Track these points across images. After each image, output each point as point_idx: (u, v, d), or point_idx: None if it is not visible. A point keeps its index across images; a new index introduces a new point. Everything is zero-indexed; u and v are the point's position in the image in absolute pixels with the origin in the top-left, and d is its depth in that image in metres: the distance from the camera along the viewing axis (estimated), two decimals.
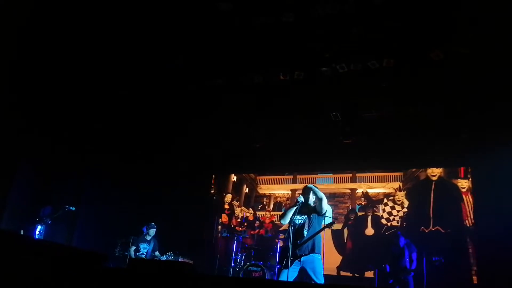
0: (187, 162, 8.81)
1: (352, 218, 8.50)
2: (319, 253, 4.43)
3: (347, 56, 5.76)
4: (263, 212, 9.44)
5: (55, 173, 7.03)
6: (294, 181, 9.74)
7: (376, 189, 8.70)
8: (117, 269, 4.37)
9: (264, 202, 9.74)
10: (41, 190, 6.84)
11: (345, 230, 8.43)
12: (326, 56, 5.79)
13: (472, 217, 7.17)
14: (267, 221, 9.14)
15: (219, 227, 9.22)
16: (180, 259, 7.20)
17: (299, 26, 5.30)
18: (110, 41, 5.89)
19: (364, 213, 8.45)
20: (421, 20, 5.03)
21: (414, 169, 8.30)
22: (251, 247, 7.62)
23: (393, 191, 8.38)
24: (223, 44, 5.82)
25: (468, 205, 7.35)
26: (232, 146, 8.42)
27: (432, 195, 7.78)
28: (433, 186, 7.85)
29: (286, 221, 4.60)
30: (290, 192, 9.74)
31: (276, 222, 9.04)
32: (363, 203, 8.65)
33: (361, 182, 8.91)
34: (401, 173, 8.51)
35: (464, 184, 7.58)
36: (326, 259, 6.53)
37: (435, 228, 7.44)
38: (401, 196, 8.16)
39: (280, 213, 8.85)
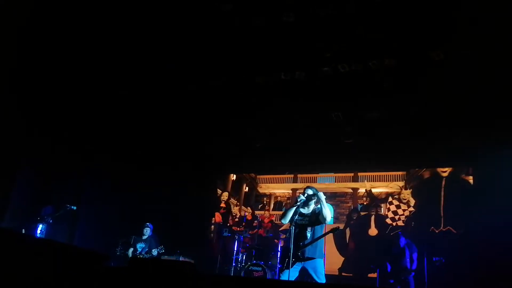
0: (188, 162, 8.82)
1: (354, 218, 8.25)
2: (321, 257, 4.42)
3: (348, 55, 5.77)
4: (262, 212, 9.36)
5: (56, 172, 7.04)
6: (294, 180, 9.70)
7: (378, 188, 8.52)
8: (118, 268, 4.37)
9: (264, 202, 9.68)
10: (42, 189, 6.85)
11: (347, 231, 8.15)
12: (327, 56, 5.80)
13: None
14: (266, 220, 9.05)
15: (212, 226, 9.05)
16: (181, 259, 7.20)
17: (300, 26, 5.30)
18: (111, 41, 5.90)
19: (367, 212, 8.17)
20: (422, 20, 5.03)
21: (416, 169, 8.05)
22: (252, 247, 7.62)
23: (396, 190, 8.03)
24: (224, 44, 5.82)
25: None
26: (233, 146, 8.42)
27: (442, 192, 7.28)
28: (443, 183, 7.35)
29: (286, 220, 4.53)
30: (290, 191, 9.71)
31: (275, 221, 8.96)
32: (365, 203, 8.42)
33: (362, 181, 8.75)
34: (404, 172, 8.21)
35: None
36: (328, 260, 6.33)
37: (446, 228, 7.00)
38: (406, 194, 7.75)
39: (281, 212, 8.80)
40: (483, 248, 6.19)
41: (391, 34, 5.27)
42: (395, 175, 8.46)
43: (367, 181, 8.72)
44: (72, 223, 7.30)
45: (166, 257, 7.12)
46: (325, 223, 4.50)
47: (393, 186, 8.22)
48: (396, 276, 6.52)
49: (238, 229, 8.79)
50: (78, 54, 6.11)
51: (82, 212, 7.30)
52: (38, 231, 6.18)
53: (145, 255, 6.99)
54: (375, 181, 8.68)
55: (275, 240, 7.89)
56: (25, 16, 5.42)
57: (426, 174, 7.80)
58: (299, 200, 4.49)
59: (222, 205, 9.33)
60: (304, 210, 4.57)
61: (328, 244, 6.90)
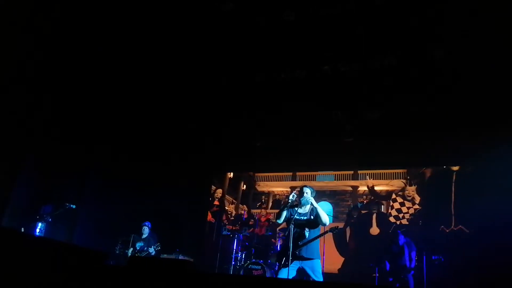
0: (187, 161, 8.81)
1: (355, 216, 7.98)
2: (319, 258, 4.44)
3: (348, 55, 5.76)
4: (259, 210, 9.24)
5: (56, 171, 7.04)
6: (293, 178, 9.63)
7: (379, 186, 8.33)
8: (117, 267, 4.37)
9: (263, 200, 9.58)
10: (41, 188, 6.85)
11: (348, 230, 7.89)
12: (327, 55, 5.79)
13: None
14: (263, 219, 8.95)
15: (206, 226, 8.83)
16: (181, 257, 7.21)
17: (300, 25, 5.30)
18: (111, 40, 5.89)
19: (368, 210, 7.86)
20: (422, 20, 5.03)
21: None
22: (252, 245, 7.62)
23: (398, 188, 7.66)
24: (224, 43, 5.82)
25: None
26: (233, 145, 8.42)
27: (453, 188, 6.67)
28: (454, 178, 6.76)
29: (281, 220, 4.56)
30: (289, 189, 9.67)
31: (272, 220, 8.86)
32: (365, 201, 8.19)
33: (362, 180, 8.56)
34: (405, 170, 7.94)
35: None
36: (327, 261, 6.20)
37: (458, 227, 6.46)
38: (411, 191, 7.28)
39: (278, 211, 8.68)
40: (486, 247, 5.95)
41: (391, 34, 5.27)
42: (396, 172, 8.22)
43: (366, 179, 8.52)
44: (71, 222, 7.30)
45: (165, 255, 7.13)
46: (324, 226, 4.52)
47: (394, 184, 7.92)
48: (395, 274, 6.52)
49: (233, 228, 8.64)
50: (78, 54, 6.11)
51: (81, 211, 7.31)
52: (38, 230, 6.19)
53: (143, 253, 7.00)
54: (376, 179, 8.49)
55: (272, 240, 7.87)
56: (27, 16, 5.42)
57: (428, 172, 7.41)
58: (289, 200, 4.51)
59: (216, 202, 9.10)
60: (301, 210, 4.57)
61: (328, 244, 6.69)
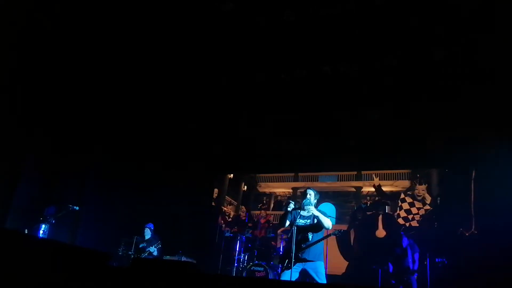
0: (190, 162, 8.81)
1: (359, 218, 7.63)
2: (321, 260, 4.44)
3: (348, 55, 5.76)
4: (259, 212, 9.10)
5: (59, 173, 7.06)
6: (295, 179, 9.52)
7: (383, 187, 7.99)
8: (120, 268, 4.38)
9: (264, 201, 9.48)
10: (45, 190, 6.87)
11: (352, 232, 7.54)
12: (327, 55, 5.79)
13: None
14: (263, 221, 8.84)
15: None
16: (183, 259, 7.20)
17: (300, 25, 5.30)
18: (111, 40, 5.91)
19: (373, 211, 7.41)
20: (422, 19, 5.02)
21: None
22: (254, 247, 7.60)
23: (403, 188, 7.20)
24: (224, 43, 5.83)
25: None
26: (233, 145, 8.41)
27: (472, 186, 5.92)
28: (473, 174, 6.03)
29: (285, 225, 4.60)
30: (291, 190, 9.58)
31: (272, 222, 8.72)
32: (368, 203, 7.89)
33: (366, 180, 8.28)
34: (409, 171, 7.55)
35: None
36: (330, 264, 5.97)
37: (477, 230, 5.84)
38: (421, 190, 6.65)
39: (281, 212, 8.61)
40: (490, 249, 5.66)
41: (391, 34, 5.26)
42: (401, 172, 7.92)
43: (370, 180, 8.21)
44: (74, 224, 7.32)
45: (168, 257, 7.13)
46: (327, 230, 4.52)
47: (398, 185, 7.54)
48: (398, 276, 6.48)
49: (229, 229, 8.51)
50: (79, 54, 6.13)
51: (84, 213, 7.31)
52: (41, 232, 6.20)
53: (145, 253, 7.00)
54: (380, 179, 8.21)
55: (272, 243, 7.82)
56: (27, 16, 5.44)
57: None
58: (288, 208, 4.57)
59: (212, 204, 8.93)
60: (304, 212, 4.58)
61: (331, 247, 6.33)
